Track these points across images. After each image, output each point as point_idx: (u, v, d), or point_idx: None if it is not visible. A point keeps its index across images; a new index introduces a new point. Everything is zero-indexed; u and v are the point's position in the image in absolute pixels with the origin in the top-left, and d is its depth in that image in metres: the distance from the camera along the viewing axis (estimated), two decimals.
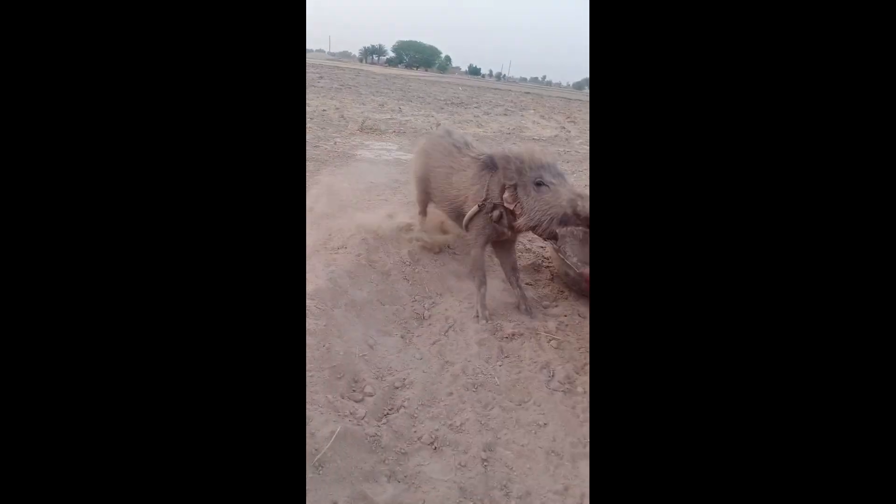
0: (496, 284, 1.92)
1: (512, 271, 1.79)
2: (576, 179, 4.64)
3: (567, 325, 1.69)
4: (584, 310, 1.82)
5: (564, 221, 1.39)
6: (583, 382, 1.38)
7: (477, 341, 1.54)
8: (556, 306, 1.86)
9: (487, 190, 1.59)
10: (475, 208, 1.61)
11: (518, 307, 1.77)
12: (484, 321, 1.64)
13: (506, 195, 1.51)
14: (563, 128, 9.36)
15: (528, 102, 15.82)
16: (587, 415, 1.26)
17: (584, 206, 1.33)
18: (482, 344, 1.53)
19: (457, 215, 1.78)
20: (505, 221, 1.59)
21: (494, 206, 1.58)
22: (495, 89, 22.21)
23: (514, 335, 1.59)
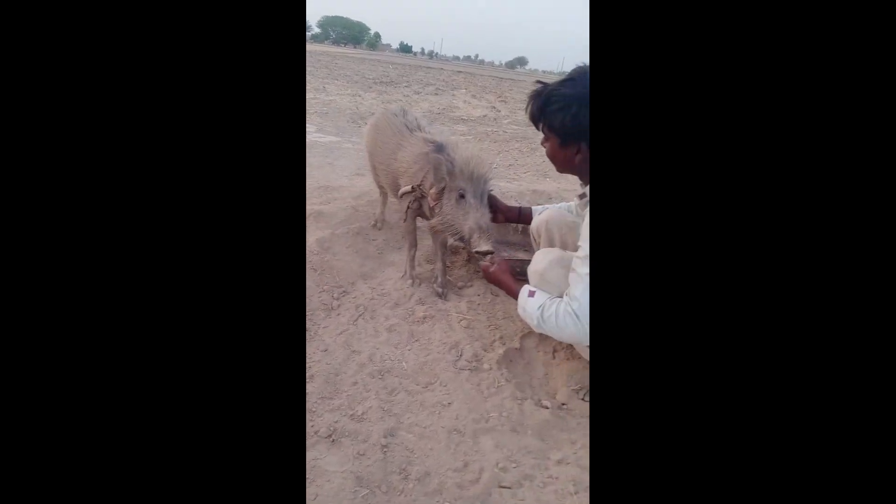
0: (424, 269, 1.90)
1: (441, 247, 1.86)
2: (501, 160, 4.71)
3: (479, 305, 1.72)
4: (497, 288, 1.86)
5: (461, 240, 1.50)
6: (489, 359, 1.41)
7: (387, 328, 1.52)
8: (471, 286, 1.88)
9: (424, 176, 1.61)
10: (408, 188, 1.65)
11: (433, 283, 1.82)
12: (410, 280, 1.79)
13: (432, 191, 1.54)
14: (494, 107, 9.45)
15: (460, 81, 15.76)
16: (491, 390, 1.29)
17: (479, 243, 1.40)
18: (392, 330, 1.52)
19: (396, 188, 1.81)
20: (425, 210, 1.65)
21: (423, 195, 1.62)
22: (427, 68, 21.89)
23: (425, 318, 1.59)
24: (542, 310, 1.18)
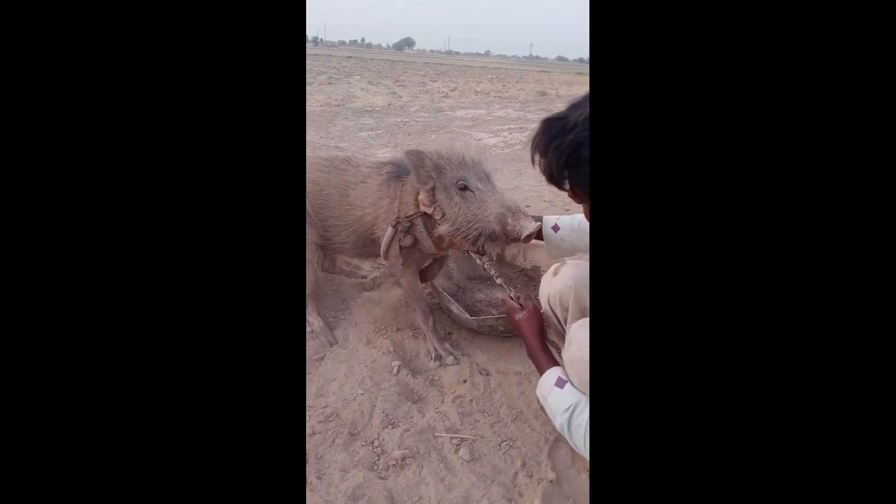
0: (370, 354, 1.31)
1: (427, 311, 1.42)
2: None
3: (471, 402, 1.19)
4: (483, 357, 1.35)
5: (492, 238, 1.13)
6: None
7: (348, 496, 0.93)
8: (453, 364, 1.35)
9: (400, 202, 1.26)
10: (390, 230, 1.25)
11: (431, 358, 1.36)
12: (439, 359, 1.33)
13: (421, 197, 1.20)
14: (395, 93, 8.83)
15: (353, 67, 14.80)
16: None
17: (516, 224, 1.09)
18: (356, 498, 0.93)
19: (364, 245, 1.40)
20: (422, 235, 1.26)
21: (410, 221, 1.25)
22: (314, 55, 20.31)
23: (405, 459, 1.02)
24: (572, 414, 0.82)
